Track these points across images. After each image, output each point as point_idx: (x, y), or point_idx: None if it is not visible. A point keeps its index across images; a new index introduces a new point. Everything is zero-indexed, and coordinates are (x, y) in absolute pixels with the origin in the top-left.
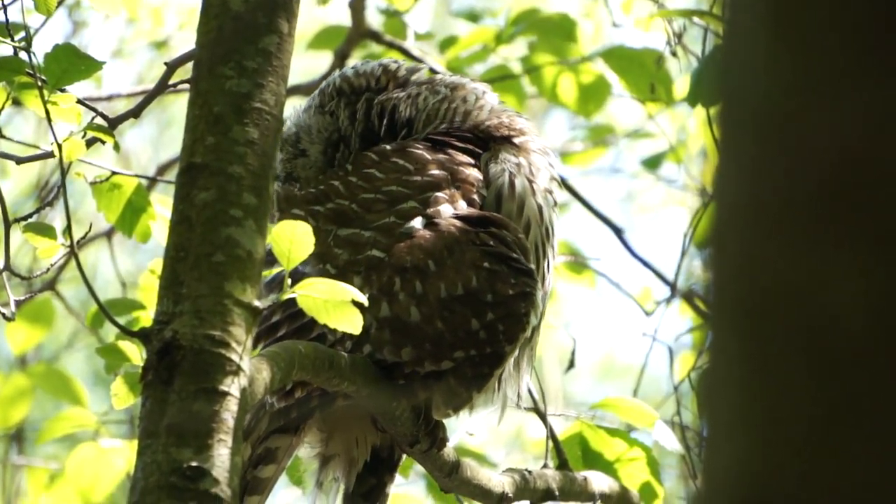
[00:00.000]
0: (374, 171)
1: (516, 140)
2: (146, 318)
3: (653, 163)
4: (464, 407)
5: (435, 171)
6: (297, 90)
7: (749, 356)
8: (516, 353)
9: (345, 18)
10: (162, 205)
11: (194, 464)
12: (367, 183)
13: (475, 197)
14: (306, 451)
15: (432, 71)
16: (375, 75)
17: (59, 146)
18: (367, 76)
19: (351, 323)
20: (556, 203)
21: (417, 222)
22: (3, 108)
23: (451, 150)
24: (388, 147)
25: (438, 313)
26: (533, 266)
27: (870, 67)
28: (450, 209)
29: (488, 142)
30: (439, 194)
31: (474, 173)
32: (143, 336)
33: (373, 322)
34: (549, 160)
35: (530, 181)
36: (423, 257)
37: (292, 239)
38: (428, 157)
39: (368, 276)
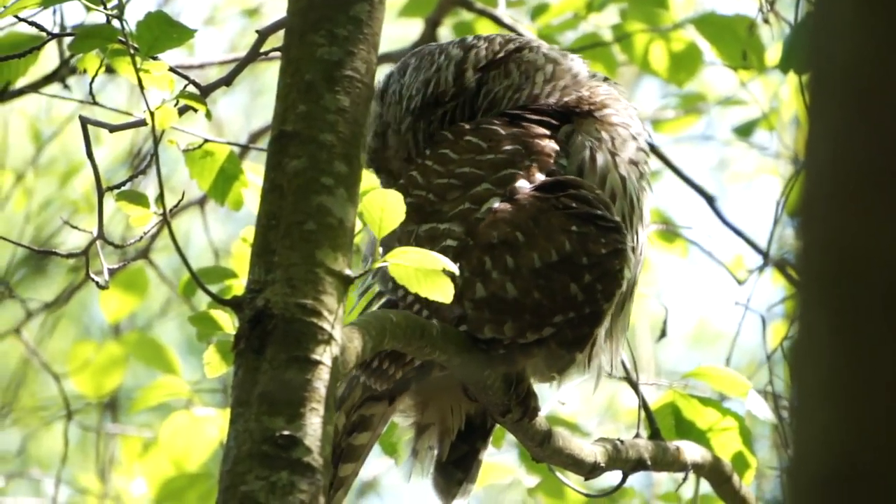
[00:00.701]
0: (448, 151)
1: (597, 114)
2: (238, 286)
3: (745, 130)
4: (567, 369)
5: (508, 147)
6: (388, 58)
7: (836, 325)
8: (609, 320)
9: None
10: (254, 173)
11: (286, 432)
12: (441, 166)
13: (553, 168)
14: (401, 421)
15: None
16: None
17: (152, 114)
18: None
19: (442, 291)
20: (642, 175)
21: (495, 202)
22: (96, 75)
23: (525, 124)
24: (465, 125)
25: (535, 284)
26: (618, 218)
27: None
28: (526, 184)
29: (569, 116)
30: (515, 171)
31: (551, 144)
32: (235, 305)
33: (468, 304)
34: (634, 131)
35: (613, 154)
36: (510, 230)
37: (384, 207)
38: (502, 132)
39: (455, 262)
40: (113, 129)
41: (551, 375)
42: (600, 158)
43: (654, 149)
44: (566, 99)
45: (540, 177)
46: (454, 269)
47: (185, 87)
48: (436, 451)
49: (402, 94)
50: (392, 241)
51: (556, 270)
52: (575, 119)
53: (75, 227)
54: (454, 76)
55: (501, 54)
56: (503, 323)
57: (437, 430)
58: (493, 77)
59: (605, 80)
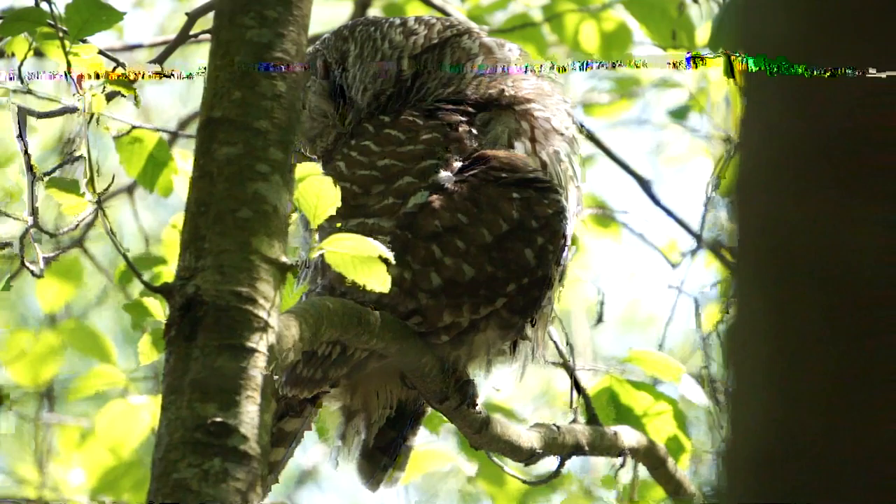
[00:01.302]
0: (370, 143)
1: (518, 107)
2: (169, 273)
3: (680, 113)
4: (519, 336)
5: (425, 136)
6: (318, 39)
7: (771, 307)
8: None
9: None
10: (184, 159)
11: (219, 419)
12: (364, 157)
13: (471, 151)
14: (330, 405)
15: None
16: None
17: (84, 97)
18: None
19: (378, 278)
20: (569, 167)
21: (420, 196)
22: (24, 59)
23: (441, 114)
24: (385, 118)
25: (488, 258)
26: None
27: (889, 8)
28: (448, 174)
29: (489, 106)
30: (435, 161)
31: (466, 129)
32: (165, 292)
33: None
34: (557, 124)
35: (532, 141)
36: (450, 216)
37: (318, 194)
38: (419, 123)
39: (402, 257)
40: (42, 115)
41: (503, 348)
42: (518, 145)
43: (588, 133)
44: (490, 91)
45: (458, 164)
46: (390, 256)
47: (114, 69)
48: (363, 436)
49: (349, 90)
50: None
51: (508, 240)
52: (494, 109)
53: (9, 216)
54: (397, 70)
55: (435, 40)
56: (461, 305)
57: (365, 415)
58: (426, 62)
59: (538, 69)
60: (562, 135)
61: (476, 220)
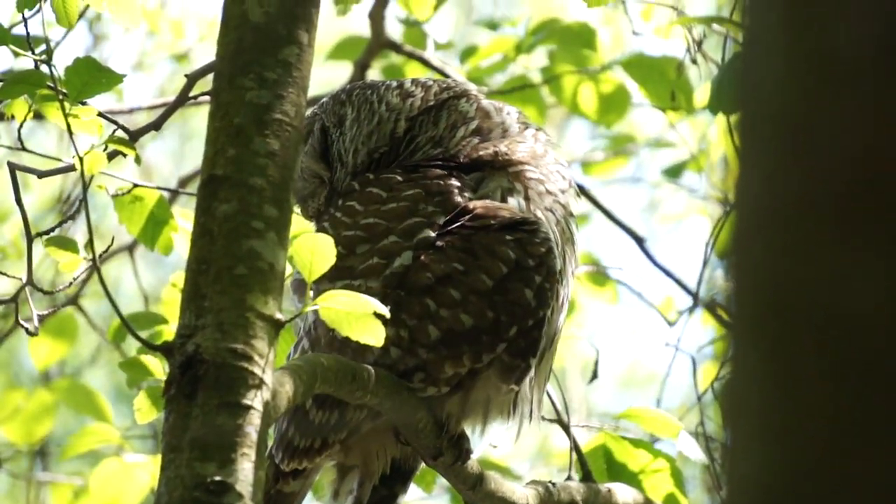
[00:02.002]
0: (355, 203)
1: (511, 169)
2: (169, 331)
3: (674, 172)
4: (524, 377)
5: (408, 192)
6: (317, 101)
7: (769, 364)
8: (532, 369)
9: (364, 29)
10: (184, 217)
11: (218, 478)
12: (349, 217)
13: (458, 201)
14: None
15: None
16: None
17: (81, 159)
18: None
19: (373, 334)
20: (565, 227)
21: (406, 257)
22: (24, 121)
23: (423, 169)
24: (370, 175)
25: (489, 303)
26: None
27: (887, 69)
28: (431, 233)
29: (482, 167)
30: (419, 219)
31: (452, 181)
32: (165, 350)
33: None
34: (552, 186)
35: (527, 200)
36: (444, 266)
37: (314, 251)
38: (400, 179)
39: (397, 316)
40: (42, 174)
41: (509, 388)
42: (512, 201)
43: (583, 191)
44: (481, 153)
45: (442, 219)
46: (385, 311)
47: (114, 131)
48: (355, 494)
49: (345, 152)
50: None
51: (509, 281)
52: (487, 169)
53: (4, 274)
54: (391, 130)
55: (432, 102)
56: (461, 355)
57: (360, 472)
58: (421, 123)
59: (538, 130)
60: (555, 197)
61: (473, 267)
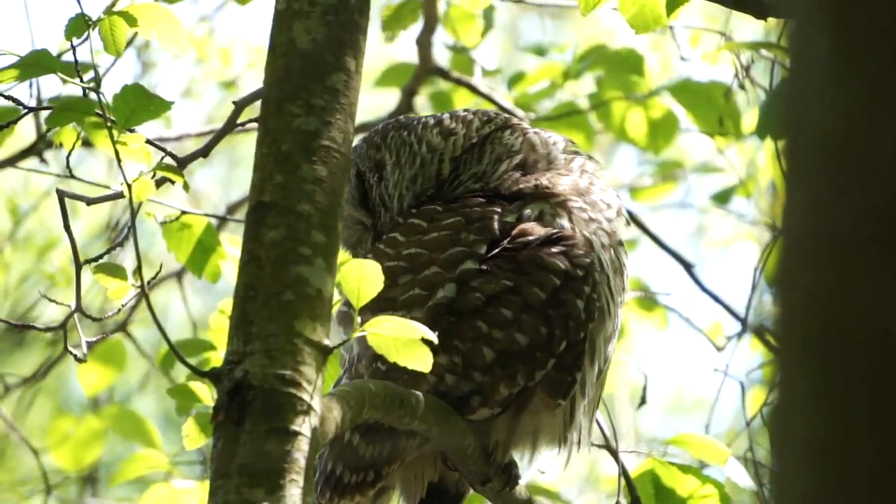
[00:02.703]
0: (398, 234)
1: (552, 200)
2: (217, 358)
3: (722, 197)
4: (571, 391)
5: (448, 221)
6: (365, 128)
7: (816, 390)
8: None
9: (412, 55)
10: (232, 244)
11: None
12: (391, 248)
13: (498, 226)
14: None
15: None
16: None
17: (129, 186)
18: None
19: (421, 361)
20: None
21: (449, 288)
22: (73, 148)
23: (462, 199)
24: (413, 209)
25: (543, 317)
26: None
27: None
28: (474, 264)
29: (525, 198)
30: (461, 248)
31: (493, 207)
32: (213, 376)
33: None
34: (596, 215)
35: (571, 224)
36: (494, 286)
37: (361, 277)
38: (440, 209)
39: (449, 343)
40: (90, 202)
41: (557, 403)
42: (557, 222)
43: (632, 216)
44: (521, 186)
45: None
46: (433, 337)
47: (163, 158)
48: None
49: (388, 198)
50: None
51: (562, 293)
52: (529, 199)
53: (53, 301)
54: (437, 172)
55: (475, 138)
56: (515, 374)
57: (400, 494)
58: (465, 161)
59: (588, 159)
60: (599, 224)
61: (524, 282)
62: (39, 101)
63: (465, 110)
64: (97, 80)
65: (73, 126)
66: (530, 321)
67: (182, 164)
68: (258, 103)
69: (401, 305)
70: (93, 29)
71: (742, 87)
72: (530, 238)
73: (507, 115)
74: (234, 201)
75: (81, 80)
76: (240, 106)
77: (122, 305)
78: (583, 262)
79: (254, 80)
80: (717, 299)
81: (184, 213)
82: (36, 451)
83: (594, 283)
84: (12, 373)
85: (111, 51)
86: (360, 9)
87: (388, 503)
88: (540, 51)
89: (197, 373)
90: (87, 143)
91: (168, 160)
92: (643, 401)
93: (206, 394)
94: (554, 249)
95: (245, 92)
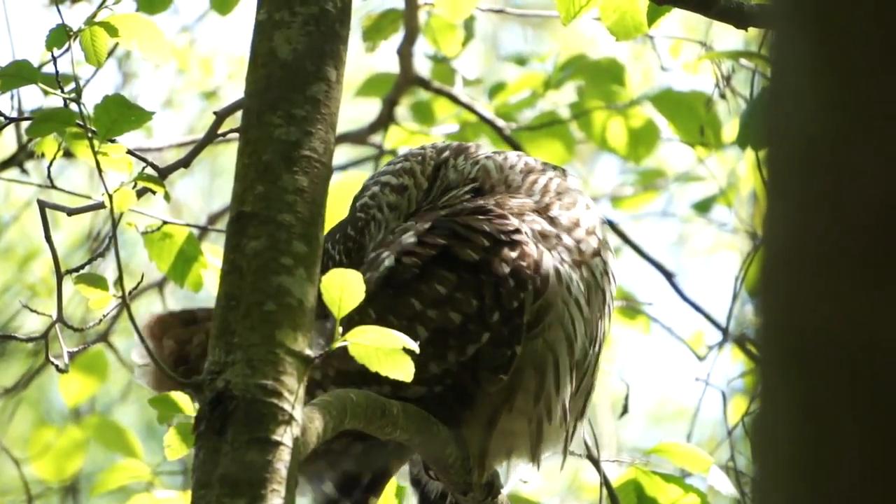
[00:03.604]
0: None
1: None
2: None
3: (703, 206)
4: (511, 366)
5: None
6: (346, 138)
7: (797, 400)
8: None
9: (393, 65)
10: (213, 254)
11: None
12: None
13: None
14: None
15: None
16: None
17: (110, 197)
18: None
19: (402, 370)
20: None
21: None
22: (54, 159)
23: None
24: None
25: (475, 284)
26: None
27: None
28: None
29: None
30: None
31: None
32: (195, 386)
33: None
34: (554, 229)
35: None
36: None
37: (343, 287)
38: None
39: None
40: (71, 212)
41: (500, 378)
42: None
43: (613, 226)
44: (466, 205)
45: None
46: (414, 346)
47: (144, 169)
48: None
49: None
50: None
51: (490, 256)
52: None
53: (34, 311)
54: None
55: (425, 185)
56: (446, 353)
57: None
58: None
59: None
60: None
61: (457, 244)
62: (20, 111)
63: (418, 150)
64: (78, 90)
65: (54, 136)
66: (463, 295)
67: (163, 174)
68: (239, 114)
69: None
70: (74, 39)
71: (723, 96)
72: (458, 208)
73: (459, 144)
74: (216, 211)
75: (63, 91)
76: (221, 116)
77: (104, 316)
78: (506, 228)
79: (235, 90)
80: (698, 309)
81: (165, 222)
82: (17, 461)
83: (523, 251)
84: None
85: (92, 61)
86: (341, 19)
87: None
88: (521, 60)
89: (179, 382)
90: (68, 154)
91: (149, 170)
92: (625, 410)
93: (188, 404)
94: (480, 217)
95: (226, 102)
